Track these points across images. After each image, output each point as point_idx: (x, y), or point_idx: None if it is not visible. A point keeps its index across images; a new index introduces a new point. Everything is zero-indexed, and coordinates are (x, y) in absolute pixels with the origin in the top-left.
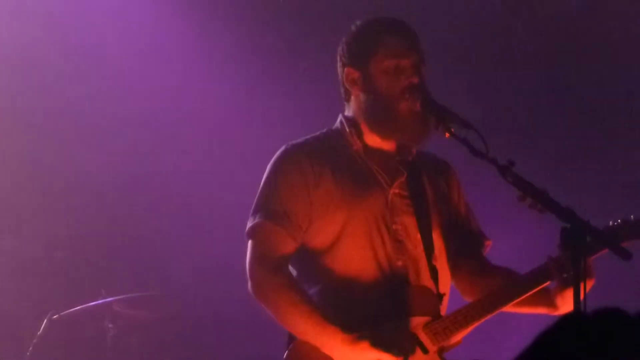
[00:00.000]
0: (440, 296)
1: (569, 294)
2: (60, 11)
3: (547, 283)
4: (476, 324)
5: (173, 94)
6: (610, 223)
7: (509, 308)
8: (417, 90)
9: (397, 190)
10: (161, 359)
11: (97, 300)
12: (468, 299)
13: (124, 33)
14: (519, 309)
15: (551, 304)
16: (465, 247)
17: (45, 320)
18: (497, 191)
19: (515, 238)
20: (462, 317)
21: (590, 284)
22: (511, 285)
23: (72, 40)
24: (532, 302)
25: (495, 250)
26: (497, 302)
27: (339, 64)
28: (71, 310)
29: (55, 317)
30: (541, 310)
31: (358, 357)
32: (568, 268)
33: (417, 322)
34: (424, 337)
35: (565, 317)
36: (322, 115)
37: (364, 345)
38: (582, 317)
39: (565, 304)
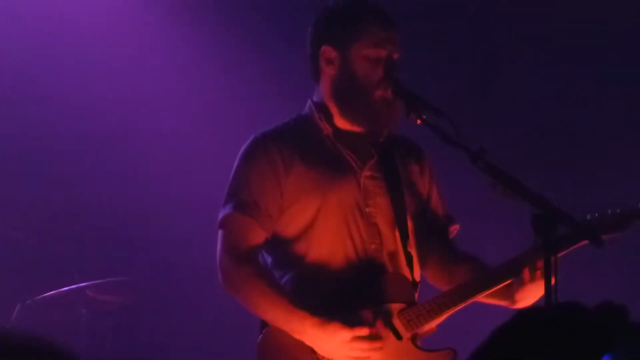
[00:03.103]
0: (415, 283)
1: (528, 289)
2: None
3: (511, 279)
4: (451, 313)
5: (150, 88)
6: (588, 217)
7: (478, 299)
8: (390, 78)
9: (368, 173)
10: (135, 345)
11: (70, 285)
12: (435, 284)
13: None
14: (483, 300)
15: (510, 297)
16: (433, 232)
17: (18, 306)
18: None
19: (491, 225)
20: (437, 305)
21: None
22: (487, 274)
23: (64, 41)
24: (494, 294)
25: (474, 239)
26: (472, 291)
27: (312, 39)
28: (44, 295)
29: (28, 302)
30: (501, 303)
31: (330, 339)
32: (536, 264)
33: (392, 308)
34: (398, 324)
35: (522, 312)
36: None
37: (335, 325)
38: (539, 311)
39: (524, 299)
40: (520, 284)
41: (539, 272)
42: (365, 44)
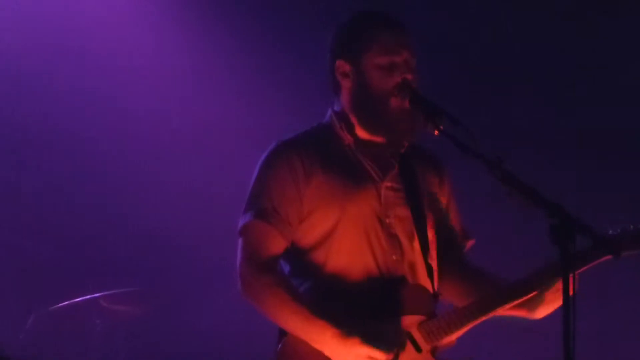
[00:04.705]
0: (435, 295)
1: (549, 302)
2: (55, 13)
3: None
4: (471, 326)
5: (163, 91)
6: (610, 232)
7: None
8: (407, 87)
9: (389, 184)
10: (148, 355)
11: (84, 295)
12: (448, 298)
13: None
14: (500, 312)
15: (531, 308)
16: (448, 246)
17: (32, 316)
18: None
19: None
20: (457, 317)
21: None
22: (508, 288)
23: (71, 41)
24: (515, 305)
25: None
26: (492, 304)
27: (329, 55)
28: (58, 305)
29: (42, 312)
30: (521, 314)
31: (348, 352)
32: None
33: (412, 320)
34: (417, 336)
35: None
36: (316, 109)
37: (355, 340)
38: None
39: (544, 311)
40: (541, 298)
41: (560, 292)
42: (375, 52)
